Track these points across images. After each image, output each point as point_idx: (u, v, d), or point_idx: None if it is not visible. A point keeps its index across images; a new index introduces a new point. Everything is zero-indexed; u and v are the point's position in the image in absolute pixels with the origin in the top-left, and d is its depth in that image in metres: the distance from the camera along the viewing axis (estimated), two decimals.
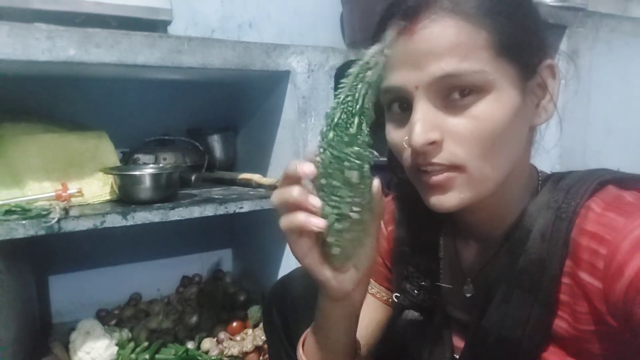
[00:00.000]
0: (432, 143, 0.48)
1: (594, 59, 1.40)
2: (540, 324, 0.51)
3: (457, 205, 0.51)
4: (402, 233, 0.68)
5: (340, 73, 1.20)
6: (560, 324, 0.51)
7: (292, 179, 0.47)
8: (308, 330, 0.62)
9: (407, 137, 0.50)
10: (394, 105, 0.53)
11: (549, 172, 0.59)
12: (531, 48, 0.51)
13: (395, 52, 0.49)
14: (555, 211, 0.51)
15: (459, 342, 0.62)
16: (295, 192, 0.45)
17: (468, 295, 0.61)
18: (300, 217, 0.46)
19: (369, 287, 0.73)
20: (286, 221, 0.47)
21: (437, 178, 0.50)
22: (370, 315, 0.72)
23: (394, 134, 0.54)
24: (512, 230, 0.55)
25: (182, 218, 1.06)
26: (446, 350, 0.62)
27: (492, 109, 0.48)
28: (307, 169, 0.45)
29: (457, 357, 0.62)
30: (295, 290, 0.79)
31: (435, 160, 0.49)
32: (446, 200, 0.51)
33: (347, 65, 1.22)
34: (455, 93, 0.48)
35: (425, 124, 0.48)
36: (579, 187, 0.52)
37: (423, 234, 0.66)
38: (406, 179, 0.57)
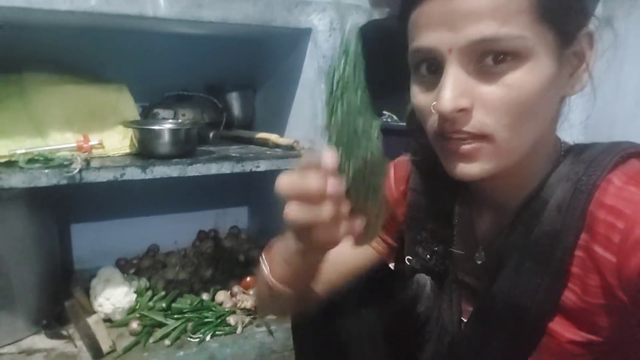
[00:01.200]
0: (461, 110, 0.47)
1: (630, 27, 1.33)
2: (549, 295, 0.51)
3: (480, 175, 0.50)
4: (417, 198, 0.68)
5: (363, 32, 1.17)
6: (569, 296, 0.51)
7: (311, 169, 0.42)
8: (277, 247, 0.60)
9: (435, 102, 0.48)
10: (422, 66, 0.51)
11: (572, 143, 0.57)
12: (572, 13, 0.48)
13: (429, 10, 0.47)
14: (574, 183, 0.50)
15: (467, 307, 0.63)
16: (318, 182, 0.41)
17: (479, 262, 0.61)
18: (328, 213, 0.41)
19: None
20: (305, 214, 0.42)
21: (464, 147, 0.48)
22: (351, 258, 0.72)
23: (421, 98, 0.52)
24: (529, 201, 0.54)
25: (200, 174, 1.07)
26: (454, 312, 0.63)
27: (527, 77, 0.46)
28: (330, 158, 0.41)
29: (465, 320, 0.62)
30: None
31: (463, 128, 0.48)
32: (470, 170, 0.50)
33: (370, 24, 1.19)
34: (489, 58, 0.46)
35: (455, 89, 0.46)
36: (601, 160, 0.50)
37: (439, 200, 0.65)
38: (426, 144, 0.56)
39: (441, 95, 0.47)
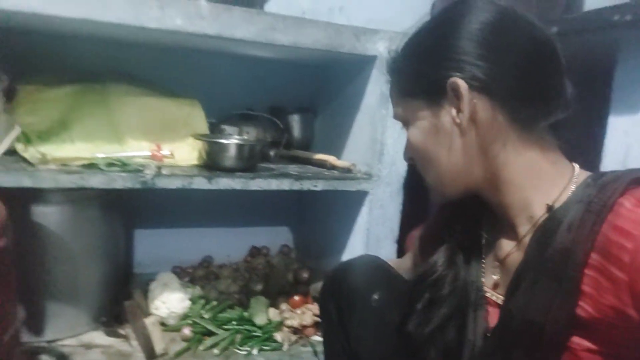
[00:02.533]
0: (410, 159, 0.69)
1: None
2: (563, 311, 0.53)
3: (443, 199, 0.70)
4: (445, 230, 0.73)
5: None
6: (582, 313, 0.53)
7: None
8: None
9: None
10: None
11: (591, 173, 0.61)
12: (414, 80, 0.64)
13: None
14: (586, 205, 0.54)
15: (492, 322, 0.64)
16: None
17: (495, 277, 0.65)
18: None
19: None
20: None
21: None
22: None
23: None
24: (543, 221, 0.58)
25: (261, 189, 1.11)
26: (478, 326, 0.65)
27: (412, 134, 0.65)
28: None
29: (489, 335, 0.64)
30: (351, 280, 0.80)
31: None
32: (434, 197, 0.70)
33: None
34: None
35: (405, 145, 0.69)
36: (613, 184, 0.54)
37: (464, 228, 0.71)
38: None
39: None
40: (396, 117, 0.68)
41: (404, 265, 0.87)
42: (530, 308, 0.55)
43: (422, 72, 0.63)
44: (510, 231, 0.64)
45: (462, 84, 0.57)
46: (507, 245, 0.64)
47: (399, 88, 0.67)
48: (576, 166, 0.62)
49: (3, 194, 0.83)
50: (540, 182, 0.60)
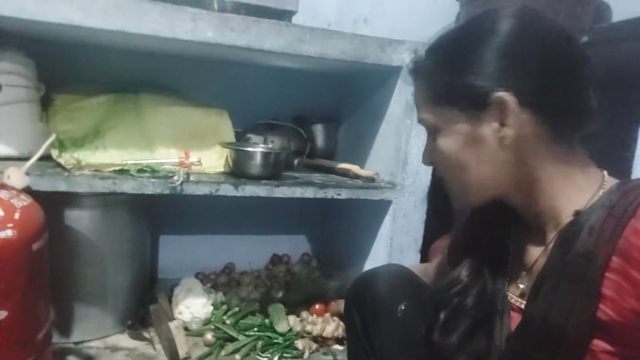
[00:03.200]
0: (430, 164, 0.72)
1: None
2: (584, 314, 0.53)
3: (457, 206, 0.71)
4: (472, 245, 0.73)
5: None
6: (603, 317, 0.53)
7: None
8: None
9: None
10: None
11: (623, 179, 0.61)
12: (455, 92, 0.62)
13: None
14: (608, 209, 0.54)
15: (513, 324, 0.65)
16: None
17: (522, 286, 0.66)
18: None
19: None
20: None
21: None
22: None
23: None
24: (567, 226, 0.58)
25: (285, 196, 1.13)
26: (504, 331, 0.65)
27: (443, 143, 0.65)
28: None
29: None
30: (375, 290, 0.81)
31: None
32: (455, 204, 0.70)
33: None
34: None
35: (425, 151, 0.71)
36: (636, 190, 0.54)
37: (492, 238, 0.71)
38: None
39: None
40: (424, 122, 0.67)
41: (428, 272, 0.87)
42: (551, 311, 0.56)
43: (460, 83, 0.61)
44: (538, 238, 0.64)
45: (511, 99, 0.57)
46: (534, 253, 0.65)
47: (429, 94, 0.65)
48: (605, 173, 0.62)
49: (40, 198, 0.86)
50: (571, 191, 0.61)
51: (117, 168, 1.04)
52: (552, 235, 0.61)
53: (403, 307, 0.77)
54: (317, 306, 1.41)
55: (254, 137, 1.36)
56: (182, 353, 1.12)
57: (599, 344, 0.54)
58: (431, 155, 0.68)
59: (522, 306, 0.65)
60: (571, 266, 0.55)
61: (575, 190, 0.60)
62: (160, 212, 1.44)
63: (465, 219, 0.77)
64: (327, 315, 1.38)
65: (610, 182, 0.61)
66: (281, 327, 1.28)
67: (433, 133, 0.66)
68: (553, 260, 0.59)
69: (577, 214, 0.58)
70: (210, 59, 1.38)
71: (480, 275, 0.68)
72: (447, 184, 0.68)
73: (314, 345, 1.27)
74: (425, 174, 1.26)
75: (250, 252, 1.65)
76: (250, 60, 1.33)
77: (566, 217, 0.59)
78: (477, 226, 0.72)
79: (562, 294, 0.55)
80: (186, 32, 0.98)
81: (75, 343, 1.17)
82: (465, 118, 0.61)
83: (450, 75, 0.63)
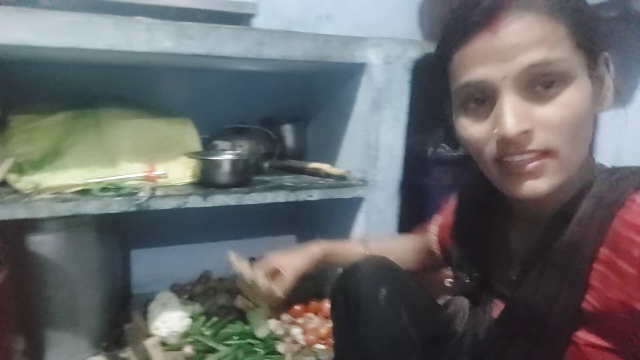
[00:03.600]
0: (524, 132, 0.51)
1: None
2: (569, 303, 0.54)
3: (548, 190, 0.53)
4: (459, 231, 0.75)
5: (418, 66, 1.19)
6: (588, 307, 0.53)
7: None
8: None
9: (496, 129, 0.52)
10: (469, 101, 0.56)
11: (609, 166, 0.60)
12: (597, 39, 0.54)
13: (475, 49, 0.52)
14: (598, 200, 0.54)
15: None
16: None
17: (514, 278, 0.65)
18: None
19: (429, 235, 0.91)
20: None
21: (530, 165, 0.52)
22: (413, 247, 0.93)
23: (473, 129, 0.56)
24: (557, 215, 0.58)
25: (256, 202, 1.11)
26: (486, 319, 0.66)
27: (575, 96, 0.52)
28: None
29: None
30: (358, 279, 0.82)
31: (529, 147, 0.52)
32: (539, 186, 0.53)
33: (425, 58, 1.21)
34: (538, 85, 0.51)
35: (516, 114, 0.51)
36: (626, 180, 0.54)
37: (479, 228, 0.70)
38: (471, 176, 0.63)
39: (503, 120, 0.51)
40: (550, 67, 0.51)
41: (406, 245, 0.93)
42: (536, 299, 0.56)
43: (597, 24, 0.54)
44: (527, 228, 0.64)
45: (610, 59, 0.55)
46: (523, 242, 0.65)
47: (570, 32, 0.52)
48: (594, 158, 0.61)
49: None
50: (579, 172, 0.57)
51: (79, 188, 1.00)
52: (540, 224, 0.61)
53: (384, 292, 0.78)
54: (297, 307, 1.40)
55: (221, 144, 1.33)
56: None
57: (583, 336, 0.54)
58: (528, 118, 0.52)
59: (508, 293, 0.65)
60: (558, 255, 0.55)
61: (579, 175, 0.57)
62: (129, 227, 1.40)
63: (456, 207, 0.78)
64: (308, 315, 1.38)
65: (600, 168, 0.60)
66: (261, 332, 1.26)
67: (549, 85, 0.51)
68: (539, 248, 0.59)
69: (569, 203, 0.57)
70: (171, 67, 1.34)
71: (471, 319, 0.69)
72: (551, 153, 0.53)
73: (296, 348, 1.26)
74: (395, 169, 1.26)
75: (226, 258, 1.62)
76: (212, 66, 1.29)
77: (556, 205, 0.58)
78: (468, 215, 0.73)
79: (547, 282, 0.56)
80: (142, 43, 0.94)
81: None
82: (588, 68, 0.53)
83: (591, 13, 0.54)
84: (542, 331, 0.56)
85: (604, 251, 0.52)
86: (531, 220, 0.63)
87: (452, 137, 1.36)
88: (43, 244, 1.05)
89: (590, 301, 0.53)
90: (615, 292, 0.51)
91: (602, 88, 0.55)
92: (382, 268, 0.83)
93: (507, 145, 0.52)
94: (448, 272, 0.78)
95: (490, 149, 0.55)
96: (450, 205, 0.84)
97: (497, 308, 0.66)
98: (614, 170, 0.58)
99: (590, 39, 0.53)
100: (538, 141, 0.52)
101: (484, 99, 0.54)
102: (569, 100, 0.51)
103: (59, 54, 0.98)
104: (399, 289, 0.79)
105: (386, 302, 0.77)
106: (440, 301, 0.80)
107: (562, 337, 0.55)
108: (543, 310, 0.55)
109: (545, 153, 0.52)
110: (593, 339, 0.54)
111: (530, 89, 0.51)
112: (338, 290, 0.86)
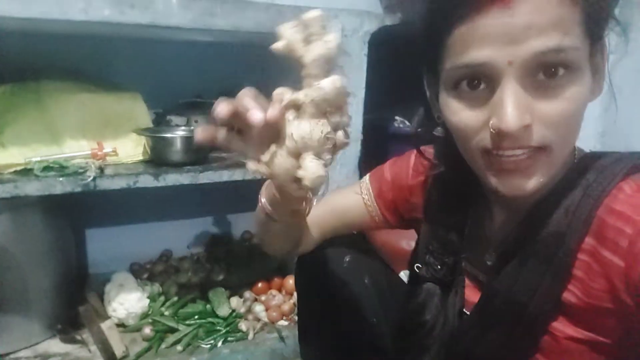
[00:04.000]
0: (524, 127, 0.46)
1: None
2: (549, 294, 0.52)
3: (536, 188, 0.50)
4: (432, 208, 0.70)
5: (375, 39, 1.16)
6: (570, 297, 0.52)
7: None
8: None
9: (492, 120, 0.47)
10: (462, 83, 0.49)
11: (588, 151, 0.58)
12: (605, 25, 0.49)
13: (483, 25, 0.45)
14: (584, 189, 0.51)
15: (473, 299, 0.64)
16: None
17: (489, 263, 0.62)
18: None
19: (363, 194, 0.79)
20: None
21: (522, 162, 0.48)
22: (347, 211, 0.80)
23: (465, 115, 0.50)
24: (539, 203, 0.55)
25: (211, 181, 1.08)
26: (457, 303, 0.64)
27: (581, 90, 0.46)
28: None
29: (466, 312, 0.64)
30: (322, 249, 0.82)
31: (525, 143, 0.47)
32: (527, 185, 0.49)
33: (382, 30, 1.18)
34: (541, 74, 0.45)
35: (519, 106, 0.45)
36: (613, 168, 0.51)
37: (453, 211, 0.66)
38: (449, 153, 0.57)
39: (504, 112, 0.45)
40: (561, 56, 0.45)
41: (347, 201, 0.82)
42: (515, 288, 0.54)
43: (608, 8, 0.47)
44: (506, 215, 0.61)
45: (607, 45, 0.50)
46: (502, 229, 0.62)
47: (582, 16, 0.45)
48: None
49: None
50: (566, 161, 0.54)
51: (19, 168, 0.95)
52: (521, 212, 0.57)
53: (348, 259, 0.79)
54: (259, 285, 1.40)
55: (175, 119, 1.28)
56: (118, 353, 1.08)
57: (562, 328, 0.53)
58: (528, 111, 0.46)
59: (482, 278, 0.63)
60: (542, 245, 0.52)
61: (565, 161, 0.53)
62: (82, 206, 1.35)
63: (428, 197, 0.71)
64: (271, 292, 1.38)
65: (580, 153, 0.56)
66: (223, 310, 1.26)
67: (555, 74, 0.46)
68: (523, 237, 0.55)
69: (553, 190, 0.54)
70: (119, 37, 1.27)
71: (443, 264, 0.66)
72: (543, 149, 0.48)
73: (258, 325, 1.26)
74: (354, 145, 1.24)
75: (187, 236, 1.60)
76: (161, 37, 1.23)
77: (536, 195, 0.54)
78: (442, 198, 0.68)
79: (529, 271, 0.53)
80: (79, 11, 0.88)
81: (2, 355, 1.09)
82: (589, 56, 0.48)
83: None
84: (519, 321, 0.54)
85: (588, 241, 0.50)
86: (510, 206, 0.60)
87: (410, 112, 1.36)
88: None
89: (574, 292, 0.51)
90: (599, 281, 0.49)
91: (597, 76, 0.51)
92: (344, 237, 0.83)
93: (502, 138, 0.47)
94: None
95: (481, 139, 0.49)
96: (392, 173, 0.77)
97: (469, 290, 0.65)
98: (597, 155, 0.55)
99: (600, 26, 0.48)
100: (535, 136, 0.47)
101: (480, 82, 0.48)
102: (573, 94, 0.46)
103: None
104: (361, 253, 0.81)
105: (350, 266, 0.79)
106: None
107: (539, 328, 0.54)
108: (522, 300, 0.53)
109: (539, 149, 0.48)
110: (572, 331, 0.53)
111: (533, 77, 0.46)
112: (302, 262, 0.85)
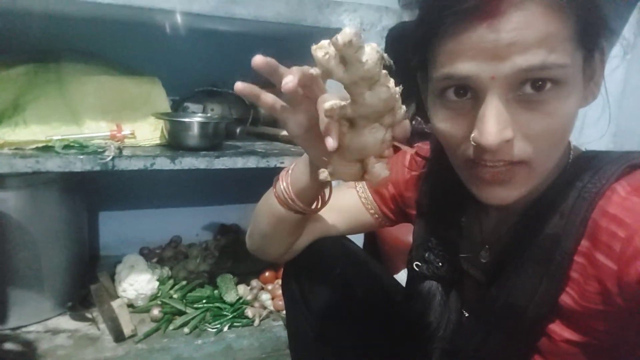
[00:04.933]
0: (505, 142, 0.46)
1: None
2: (547, 297, 0.52)
3: (516, 198, 0.50)
4: (428, 203, 0.69)
5: (392, 34, 1.18)
6: (567, 300, 0.52)
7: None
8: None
9: (474, 134, 0.47)
10: (449, 91, 0.49)
11: (583, 149, 0.58)
12: (602, 34, 0.48)
13: (468, 40, 0.45)
14: (579, 190, 0.51)
15: (471, 298, 0.64)
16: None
17: (483, 261, 0.63)
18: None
19: (359, 192, 0.77)
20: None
21: (501, 174, 0.48)
22: (347, 209, 0.78)
23: (449, 124, 0.50)
24: (533, 204, 0.55)
25: (226, 167, 1.10)
26: (457, 302, 0.64)
27: (566, 104, 0.46)
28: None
29: (465, 313, 0.64)
30: (312, 259, 0.78)
31: (504, 157, 0.47)
32: (506, 195, 0.50)
33: (399, 26, 1.20)
34: (528, 86, 0.45)
35: (500, 122, 0.45)
36: (607, 169, 0.51)
37: (449, 206, 0.66)
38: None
39: (485, 128, 0.45)
40: (551, 72, 0.45)
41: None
42: (513, 292, 0.54)
43: (604, 18, 0.47)
44: (500, 214, 0.61)
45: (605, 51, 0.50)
46: (497, 228, 0.62)
47: (573, 30, 0.45)
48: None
49: None
50: (560, 161, 0.54)
51: (40, 145, 0.97)
52: (516, 212, 0.57)
53: (338, 271, 0.76)
54: (267, 274, 1.42)
55: (192, 106, 1.30)
56: (127, 331, 1.10)
57: (560, 331, 0.53)
58: (511, 125, 0.46)
59: (478, 276, 0.63)
60: (539, 249, 0.52)
61: (556, 164, 0.53)
62: (98, 188, 1.38)
63: (423, 191, 0.71)
64: (277, 281, 1.40)
65: (575, 152, 0.56)
66: (230, 297, 1.27)
67: (541, 88, 0.45)
68: (519, 241, 0.55)
69: (547, 191, 0.54)
70: (139, 22, 1.29)
71: (444, 260, 0.65)
72: (524, 163, 0.48)
73: (264, 312, 1.28)
74: None
75: (197, 223, 1.62)
76: (182, 24, 1.25)
77: (532, 193, 0.54)
78: (439, 194, 0.67)
79: (526, 276, 0.53)
80: None
81: (13, 329, 1.12)
82: (582, 66, 0.48)
83: (602, 4, 0.47)
84: (518, 325, 0.54)
85: (584, 243, 0.50)
86: (504, 206, 0.59)
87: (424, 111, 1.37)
88: (4, 201, 1.03)
89: (571, 294, 0.51)
90: (593, 285, 0.49)
91: (591, 83, 0.51)
92: (334, 246, 0.79)
93: (482, 152, 0.48)
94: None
95: (464, 149, 0.50)
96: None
97: (466, 289, 0.65)
98: (590, 156, 0.55)
99: (595, 37, 0.47)
100: (517, 151, 0.47)
101: (467, 92, 0.48)
102: (558, 110, 0.46)
103: (9, 3, 0.93)
104: (353, 265, 0.77)
105: (341, 275, 0.75)
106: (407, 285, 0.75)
107: (537, 331, 0.54)
108: (520, 304, 0.53)
109: (519, 162, 0.48)
110: (568, 334, 0.53)
111: (517, 90, 0.46)
112: (290, 272, 0.81)
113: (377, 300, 0.77)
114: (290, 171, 0.64)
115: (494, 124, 0.45)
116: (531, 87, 0.45)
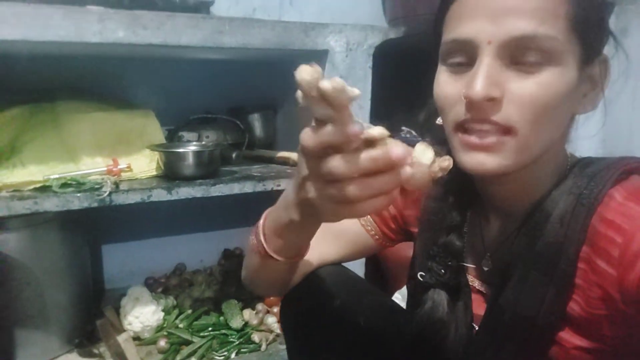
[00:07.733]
0: (491, 99, 0.48)
1: None
2: (555, 306, 0.52)
3: (497, 169, 0.51)
4: (429, 213, 0.69)
5: (379, 51, 1.19)
6: (574, 307, 0.52)
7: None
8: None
9: (464, 90, 0.50)
10: (453, 56, 0.53)
11: (579, 157, 0.59)
12: (598, 32, 0.51)
13: (472, 2, 0.50)
14: (577, 197, 0.52)
15: (478, 312, 0.63)
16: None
17: (485, 269, 0.63)
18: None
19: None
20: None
21: (487, 140, 0.50)
22: (344, 232, 0.77)
23: (448, 86, 0.54)
24: (532, 212, 0.55)
25: (223, 194, 1.10)
26: (466, 317, 0.64)
27: (555, 79, 0.49)
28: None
29: (475, 325, 0.63)
30: (311, 291, 0.77)
31: (490, 117, 0.49)
32: (490, 163, 0.51)
33: (386, 43, 1.21)
34: (521, 55, 0.49)
35: (488, 78, 0.48)
36: (603, 175, 0.52)
37: (451, 214, 0.66)
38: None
39: (474, 81, 0.49)
40: (537, 42, 0.48)
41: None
42: (521, 302, 0.54)
43: (603, 18, 0.52)
44: (500, 222, 0.62)
45: (609, 63, 0.54)
46: (497, 237, 0.62)
47: (573, 12, 0.49)
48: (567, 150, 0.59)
49: None
50: (551, 166, 0.56)
51: (38, 185, 0.98)
52: (516, 220, 0.58)
53: (339, 303, 0.73)
54: (272, 297, 1.41)
55: (187, 135, 1.31)
56: None
57: (570, 339, 0.53)
58: (500, 86, 0.49)
59: (482, 288, 0.63)
60: (541, 257, 0.53)
61: (551, 170, 0.56)
62: (98, 222, 1.38)
63: (425, 203, 0.71)
64: None
65: (572, 160, 0.57)
66: (236, 322, 1.27)
67: (533, 60, 0.49)
68: (520, 250, 0.56)
69: (545, 198, 0.55)
70: (131, 57, 1.32)
71: (447, 267, 0.65)
72: (509, 131, 0.50)
73: (271, 336, 1.27)
74: None
75: (200, 249, 1.62)
76: (172, 56, 1.27)
77: (530, 199, 0.56)
78: (442, 203, 0.67)
79: (532, 285, 0.53)
80: (94, 34, 0.92)
81: None
82: (580, 60, 0.51)
83: (601, 3, 0.52)
84: (528, 335, 0.54)
85: (585, 249, 0.51)
86: (505, 212, 0.61)
87: (416, 123, 1.37)
88: (5, 242, 1.04)
89: (578, 301, 0.52)
90: (596, 291, 0.50)
91: (592, 91, 0.54)
92: (334, 275, 0.77)
93: (470, 110, 0.50)
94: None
95: (456, 112, 0.52)
96: None
97: (475, 302, 0.64)
98: (586, 162, 0.56)
99: (591, 31, 0.50)
100: (502, 114, 0.49)
101: (468, 58, 0.52)
102: (547, 81, 0.48)
103: (7, 47, 0.95)
104: (353, 295, 0.75)
105: (341, 307, 0.73)
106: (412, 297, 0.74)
107: (548, 339, 0.54)
108: (528, 314, 0.53)
109: (505, 130, 0.49)
110: (578, 341, 0.53)
111: (512, 58, 0.49)
112: (289, 304, 0.80)
113: (380, 329, 0.75)
114: (262, 227, 0.62)
115: (482, 78, 0.48)
116: (522, 56, 0.49)
